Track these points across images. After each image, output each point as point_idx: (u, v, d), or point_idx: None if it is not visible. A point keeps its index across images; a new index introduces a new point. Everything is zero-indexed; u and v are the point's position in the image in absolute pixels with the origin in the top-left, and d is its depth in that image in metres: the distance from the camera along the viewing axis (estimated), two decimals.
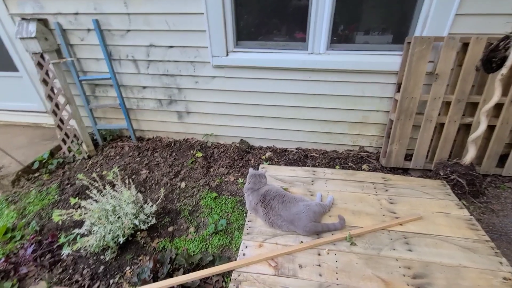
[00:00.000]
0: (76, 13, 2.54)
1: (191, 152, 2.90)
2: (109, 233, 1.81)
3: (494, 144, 2.28)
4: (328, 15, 2.22)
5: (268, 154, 2.86)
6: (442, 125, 2.35)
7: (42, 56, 2.59)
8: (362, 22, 2.34)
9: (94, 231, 1.80)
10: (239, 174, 2.61)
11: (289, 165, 2.66)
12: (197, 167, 2.68)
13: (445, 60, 2.12)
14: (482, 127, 2.04)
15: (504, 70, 1.83)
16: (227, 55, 2.51)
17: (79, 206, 1.87)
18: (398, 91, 2.31)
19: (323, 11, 2.22)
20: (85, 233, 1.82)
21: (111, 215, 1.87)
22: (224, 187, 2.46)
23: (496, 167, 2.38)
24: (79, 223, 2.03)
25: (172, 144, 3.05)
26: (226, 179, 2.54)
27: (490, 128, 2.24)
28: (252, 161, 2.78)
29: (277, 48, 2.47)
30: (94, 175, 2.07)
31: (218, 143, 3.07)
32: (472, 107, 2.30)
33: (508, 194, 2.27)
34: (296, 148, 2.93)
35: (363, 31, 2.36)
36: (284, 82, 2.55)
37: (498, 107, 2.17)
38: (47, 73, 2.65)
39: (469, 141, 2.17)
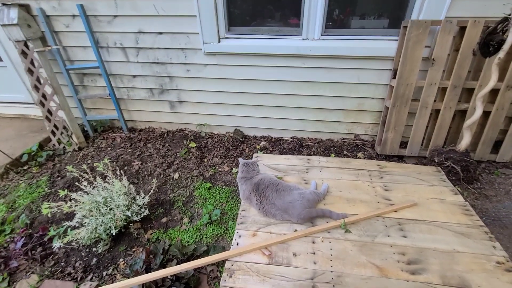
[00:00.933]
0: None
1: (185, 142, 2.85)
2: (101, 225, 1.78)
3: (489, 130, 2.27)
4: None
5: (262, 143, 2.82)
6: (437, 111, 2.33)
7: (25, 44, 2.48)
8: (358, 6, 2.27)
9: (85, 223, 1.76)
10: (234, 164, 2.58)
11: (284, 154, 2.63)
12: (190, 158, 2.64)
13: (442, 44, 2.07)
14: (478, 112, 2.02)
15: (501, 54, 1.79)
16: (219, 41, 2.43)
17: (70, 199, 1.83)
18: (394, 77, 2.27)
19: None
20: (76, 225, 1.78)
21: (102, 207, 1.83)
22: (218, 177, 2.42)
23: (491, 153, 2.38)
24: (71, 216, 1.99)
25: (165, 135, 2.99)
26: (220, 169, 2.51)
27: (486, 114, 2.22)
28: (246, 151, 2.74)
29: (270, 34, 2.40)
30: (85, 166, 2.02)
31: (212, 133, 3.02)
32: (468, 93, 2.27)
33: (501, 179, 2.28)
34: (291, 137, 2.90)
35: (358, 16, 2.30)
36: (278, 70, 2.49)
37: (494, 92, 2.15)
38: (32, 62, 2.54)
39: (464, 127, 2.15)
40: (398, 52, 2.22)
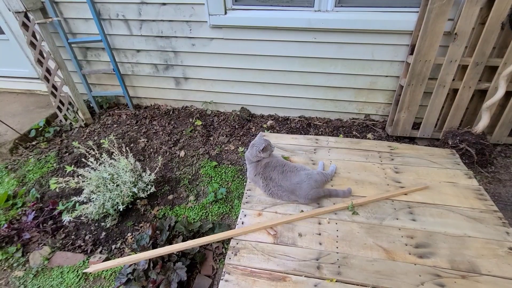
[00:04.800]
0: None
1: (190, 120, 2.81)
2: (109, 201, 1.81)
3: (510, 111, 2.14)
4: None
5: (269, 122, 2.76)
6: (455, 91, 2.20)
7: (26, 16, 2.40)
8: None
9: (93, 198, 1.78)
10: (240, 143, 2.54)
11: (291, 134, 2.57)
12: (196, 136, 2.61)
13: (467, 17, 1.90)
14: (500, 92, 1.89)
15: None
16: (225, 13, 2.29)
17: (78, 175, 1.84)
18: (411, 53, 2.12)
19: None
20: (85, 200, 1.80)
21: (109, 183, 1.85)
22: (224, 156, 2.40)
23: (509, 136, 2.27)
24: (79, 191, 2.02)
25: (171, 112, 2.95)
26: (226, 148, 2.48)
27: (507, 95, 2.08)
28: (253, 130, 2.69)
29: (280, 5, 2.25)
30: (91, 143, 2.02)
31: (218, 111, 2.96)
32: (490, 72, 2.13)
33: None
34: (299, 117, 2.82)
35: None
36: (287, 44, 2.36)
37: None
38: (33, 35, 2.47)
39: (483, 108, 2.04)
40: (417, 26, 2.06)
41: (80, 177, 1.83)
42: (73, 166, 1.84)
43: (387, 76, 2.39)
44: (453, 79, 2.14)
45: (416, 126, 2.41)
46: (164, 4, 2.34)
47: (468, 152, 2.05)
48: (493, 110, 2.16)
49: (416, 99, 2.24)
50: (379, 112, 2.64)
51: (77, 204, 1.83)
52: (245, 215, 1.39)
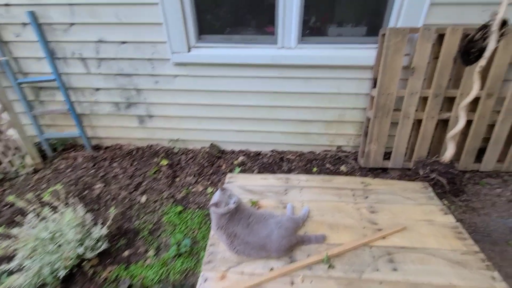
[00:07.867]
0: (7, 4, 2.16)
1: (155, 160, 2.61)
2: (47, 266, 1.51)
3: (472, 139, 2.20)
4: (298, 5, 2.02)
5: (241, 158, 2.63)
6: (419, 121, 2.24)
7: None
8: (335, 13, 2.16)
9: (25, 266, 1.48)
10: (209, 182, 2.36)
11: (264, 169, 2.45)
12: (161, 177, 2.40)
13: (421, 52, 1.99)
14: (461, 123, 1.93)
15: (482, 62, 1.72)
16: (189, 51, 2.24)
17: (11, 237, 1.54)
18: (374, 86, 2.16)
19: (292, 1, 2.01)
20: (17, 268, 1.49)
21: (49, 243, 1.56)
22: (191, 198, 2.20)
23: (474, 162, 2.31)
24: (11, 256, 1.69)
25: (134, 152, 2.73)
26: (193, 189, 2.28)
27: (467, 123, 2.15)
28: (223, 167, 2.54)
29: (244, 42, 2.24)
30: (30, 195, 1.74)
31: (186, 148, 2.80)
32: (449, 102, 2.20)
33: (487, 190, 2.20)
34: (271, 151, 2.73)
35: (336, 23, 2.19)
36: (254, 80, 2.33)
37: (475, 101, 2.08)
38: None
39: (447, 138, 2.06)
40: (377, 61, 2.12)
41: (13, 238, 1.54)
42: (4, 226, 1.55)
43: (354, 108, 2.40)
44: (416, 110, 2.19)
45: (387, 156, 2.39)
46: (124, 42, 2.25)
47: (440, 182, 2.03)
48: (457, 139, 2.20)
49: (384, 131, 2.24)
50: (350, 143, 2.62)
51: (5, 275, 1.50)
52: (205, 280, 1.18)
